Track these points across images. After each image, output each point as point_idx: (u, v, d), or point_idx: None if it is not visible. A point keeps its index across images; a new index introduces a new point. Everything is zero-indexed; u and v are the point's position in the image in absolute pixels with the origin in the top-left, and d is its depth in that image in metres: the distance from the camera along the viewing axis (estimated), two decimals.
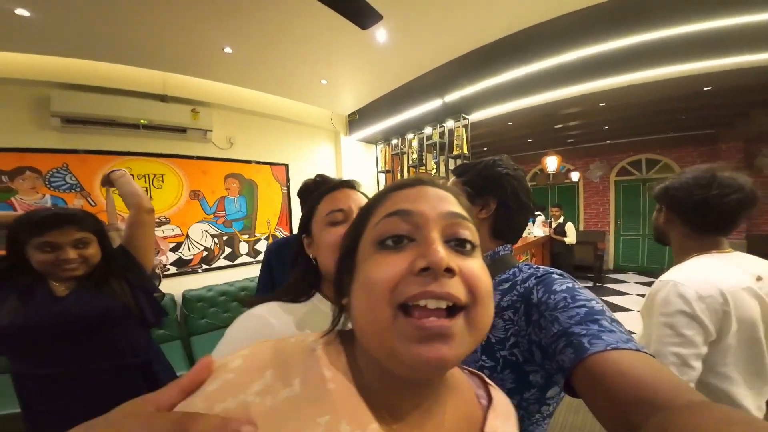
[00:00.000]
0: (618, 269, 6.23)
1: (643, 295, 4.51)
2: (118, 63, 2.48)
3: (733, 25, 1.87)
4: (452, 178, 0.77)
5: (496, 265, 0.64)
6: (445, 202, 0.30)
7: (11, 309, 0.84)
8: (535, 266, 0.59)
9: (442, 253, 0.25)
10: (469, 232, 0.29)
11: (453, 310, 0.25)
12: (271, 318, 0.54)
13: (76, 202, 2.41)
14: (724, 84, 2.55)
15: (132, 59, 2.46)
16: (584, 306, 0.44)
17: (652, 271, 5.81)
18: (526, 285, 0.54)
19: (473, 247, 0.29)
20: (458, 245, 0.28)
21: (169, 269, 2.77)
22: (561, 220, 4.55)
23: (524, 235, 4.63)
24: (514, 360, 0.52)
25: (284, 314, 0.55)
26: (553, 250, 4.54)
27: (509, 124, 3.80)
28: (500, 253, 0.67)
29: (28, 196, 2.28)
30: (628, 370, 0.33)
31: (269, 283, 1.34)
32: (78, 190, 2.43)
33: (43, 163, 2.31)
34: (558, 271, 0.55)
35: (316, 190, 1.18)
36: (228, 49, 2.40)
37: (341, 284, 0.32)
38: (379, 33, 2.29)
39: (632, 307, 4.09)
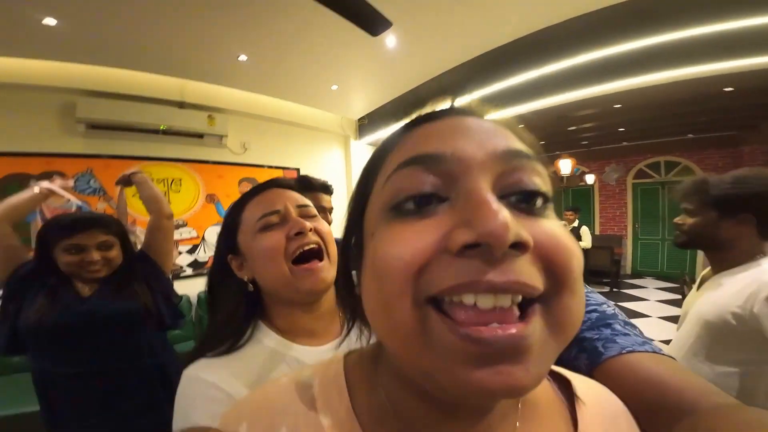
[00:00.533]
0: (636, 274, 6.03)
1: (664, 301, 4.35)
2: (139, 70, 2.58)
3: (752, 26, 1.81)
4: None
5: None
6: (498, 135, 0.20)
7: (39, 308, 0.89)
8: None
9: (503, 216, 0.15)
10: (540, 178, 0.19)
11: (524, 303, 0.17)
12: (212, 378, 0.42)
13: (99, 206, 2.53)
14: (745, 85, 2.46)
15: (151, 66, 2.56)
16: (595, 311, 0.43)
17: (672, 276, 5.60)
18: None
19: (546, 201, 0.19)
20: (524, 201, 0.18)
21: (185, 271, 2.86)
22: (576, 224, 4.44)
23: None
24: None
25: (223, 373, 0.43)
26: None
27: (521, 126, 3.76)
28: None
29: (55, 200, 2.39)
30: (648, 373, 0.31)
31: None
32: (101, 194, 2.55)
33: (69, 168, 2.43)
34: None
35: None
36: (242, 57, 2.48)
37: (346, 280, 0.25)
38: (389, 39, 2.32)
39: (651, 314, 3.95)
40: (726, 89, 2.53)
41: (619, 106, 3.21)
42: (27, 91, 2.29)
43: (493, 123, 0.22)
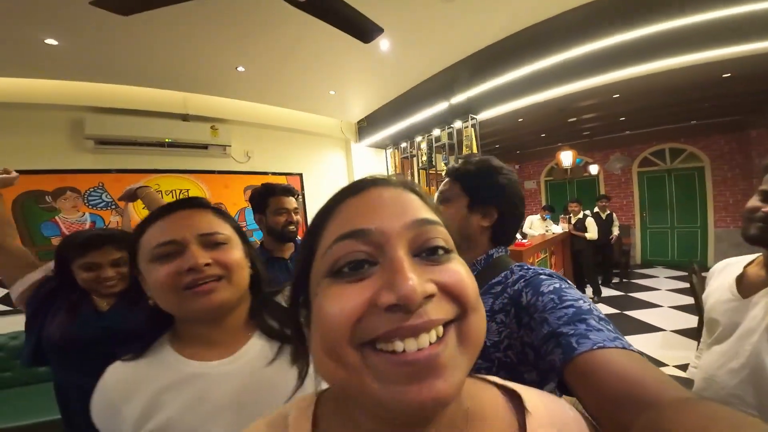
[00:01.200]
0: (646, 264, 5.96)
1: (675, 290, 4.30)
2: (142, 86, 2.67)
3: (748, 12, 1.79)
4: (446, 179, 0.76)
5: (491, 268, 0.65)
6: (408, 207, 0.25)
7: (60, 322, 0.93)
8: (526, 267, 0.60)
9: (414, 281, 0.20)
10: (441, 237, 0.25)
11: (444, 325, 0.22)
12: (113, 390, 0.50)
13: (112, 219, 2.63)
14: (744, 70, 2.43)
15: (154, 81, 2.66)
16: (572, 306, 0.45)
17: (682, 265, 5.52)
18: (516, 287, 0.55)
19: (446, 252, 0.25)
20: (431, 254, 0.24)
21: None
22: (581, 215, 4.39)
23: (542, 232, 4.56)
24: (509, 361, 0.53)
25: (121, 376, 0.51)
26: (573, 247, 4.38)
27: (520, 120, 3.76)
28: (494, 256, 0.68)
29: (70, 214, 2.50)
30: (614, 367, 0.33)
31: None
32: (113, 207, 2.65)
33: (82, 183, 2.54)
34: (548, 271, 0.56)
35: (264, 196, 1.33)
36: (241, 68, 2.55)
37: (298, 333, 0.29)
38: (382, 43, 2.36)
39: (662, 303, 3.89)
40: (725, 75, 2.51)
41: (617, 95, 3.19)
42: (36, 110, 2.39)
43: (405, 191, 0.27)
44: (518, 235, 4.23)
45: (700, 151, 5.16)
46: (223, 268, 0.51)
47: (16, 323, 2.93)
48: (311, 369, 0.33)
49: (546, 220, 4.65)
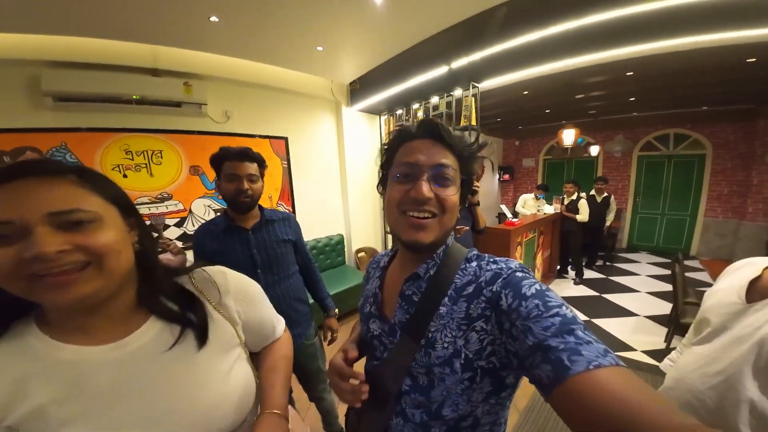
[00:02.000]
0: (631, 248, 6.05)
1: (655, 276, 4.38)
2: (105, 38, 2.37)
3: None
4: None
5: (449, 259, 0.58)
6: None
7: None
8: (492, 259, 0.55)
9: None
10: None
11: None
12: None
13: None
14: None
15: (119, 33, 2.35)
16: (557, 314, 0.42)
17: (667, 251, 5.61)
18: (493, 289, 0.50)
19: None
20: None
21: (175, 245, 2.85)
22: (575, 197, 4.32)
23: (533, 212, 4.51)
24: (492, 367, 0.49)
25: None
26: (563, 228, 4.37)
27: (525, 93, 3.51)
28: (449, 244, 0.60)
29: None
30: (613, 390, 0.32)
31: None
32: None
33: (43, 143, 2.33)
34: (516, 263, 0.53)
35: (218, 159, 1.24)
36: (214, 18, 2.24)
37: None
38: None
39: (640, 289, 3.98)
40: (749, 60, 2.29)
41: (631, 73, 2.95)
42: None
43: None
44: (509, 214, 4.19)
45: (704, 139, 4.99)
46: (89, 254, 0.41)
47: None
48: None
49: (539, 199, 4.58)
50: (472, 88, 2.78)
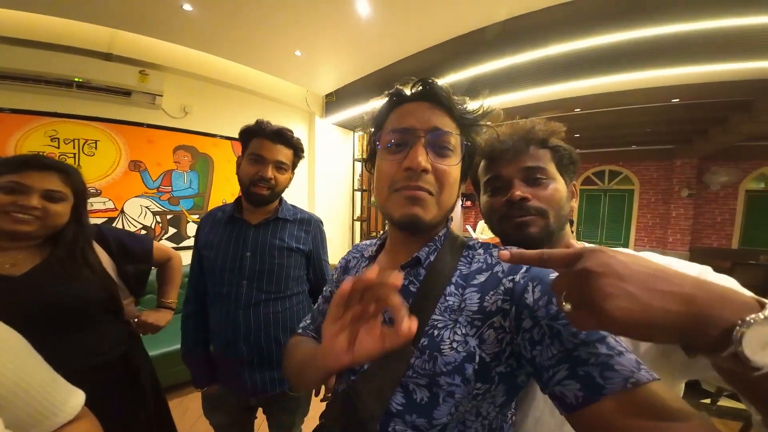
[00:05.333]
0: None
1: None
2: (59, 16, 2.09)
3: (701, 30, 1.87)
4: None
5: (450, 244, 0.51)
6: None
7: None
8: (498, 247, 0.50)
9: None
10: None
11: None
12: None
13: None
14: (691, 97, 2.65)
15: (74, 13, 2.09)
16: None
17: None
18: (515, 279, 0.42)
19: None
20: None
21: None
22: None
23: (491, 236, 4.69)
24: (509, 371, 0.41)
25: None
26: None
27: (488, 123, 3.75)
28: (449, 226, 0.54)
29: None
30: (649, 413, 0.29)
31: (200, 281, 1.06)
32: None
33: None
34: None
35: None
36: (187, 6, 2.07)
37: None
38: (361, 5, 2.08)
39: None
40: (674, 100, 2.70)
41: (578, 110, 3.31)
42: None
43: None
44: (473, 233, 4.30)
45: (633, 175, 5.77)
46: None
47: None
48: None
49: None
50: None
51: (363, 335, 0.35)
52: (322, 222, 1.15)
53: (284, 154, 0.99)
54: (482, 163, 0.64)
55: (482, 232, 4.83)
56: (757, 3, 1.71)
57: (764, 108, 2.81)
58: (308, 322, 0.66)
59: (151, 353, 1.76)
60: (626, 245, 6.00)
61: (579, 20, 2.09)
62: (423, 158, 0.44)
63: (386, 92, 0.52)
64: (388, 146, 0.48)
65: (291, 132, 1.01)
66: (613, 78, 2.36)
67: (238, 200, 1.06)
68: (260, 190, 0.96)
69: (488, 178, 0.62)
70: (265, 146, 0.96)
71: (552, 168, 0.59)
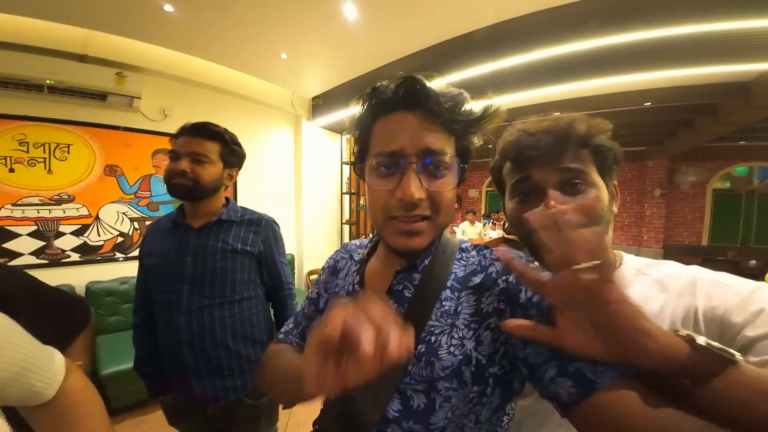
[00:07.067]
0: None
1: None
2: (30, 17, 2.00)
3: (672, 36, 1.98)
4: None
5: (444, 246, 0.49)
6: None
7: None
8: (490, 249, 0.49)
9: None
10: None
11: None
12: None
13: None
14: (661, 100, 2.79)
15: (47, 13, 2.00)
16: None
17: None
18: (510, 279, 0.42)
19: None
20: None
21: (69, 256, 2.24)
22: (505, 224, 4.78)
23: (475, 237, 4.79)
24: (503, 372, 0.41)
25: None
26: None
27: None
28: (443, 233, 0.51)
29: None
30: (640, 402, 0.30)
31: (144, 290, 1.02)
32: None
33: None
34: (521, 253, 0.46)
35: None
36: (168, 7, 2.02)
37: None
38: (348, 10, 2.08)
39: None
40: (646, 104, 2.85)
41: (557, 113, 3.42)
42: None
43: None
44: (460, 235, 4.38)
45: None
46: None
47: (126, 270, 2.46)
48: None
49: (482, 225, 4.96)
50: None
51: (354, 361, 0.30)
52: (275, 222, 1.11)
53: (202, 146, 0.96)
54: (508, 164, 0.56)
55: (462, 234, 4.91)
56: (721, 11, 1.83)
57: (727, 110, 3.00)
58: (291, 326, 0.62)
59: (105, 372, 1.81)
60: None
61: (557, 27, 2.16)
62: (416, 188, 0.40)
63: (367, 92, 0.46)
64: (376, 170, 0.44)
65: (213, 125, 0.99)
66: (591, 82, 2.47)
67: (181, 206, 1.04)
68: (177, 180, 0.93)
69: (516, 180, 0.54)
70: (181, 141, 0.95)
71: (593, 172, 0.51)
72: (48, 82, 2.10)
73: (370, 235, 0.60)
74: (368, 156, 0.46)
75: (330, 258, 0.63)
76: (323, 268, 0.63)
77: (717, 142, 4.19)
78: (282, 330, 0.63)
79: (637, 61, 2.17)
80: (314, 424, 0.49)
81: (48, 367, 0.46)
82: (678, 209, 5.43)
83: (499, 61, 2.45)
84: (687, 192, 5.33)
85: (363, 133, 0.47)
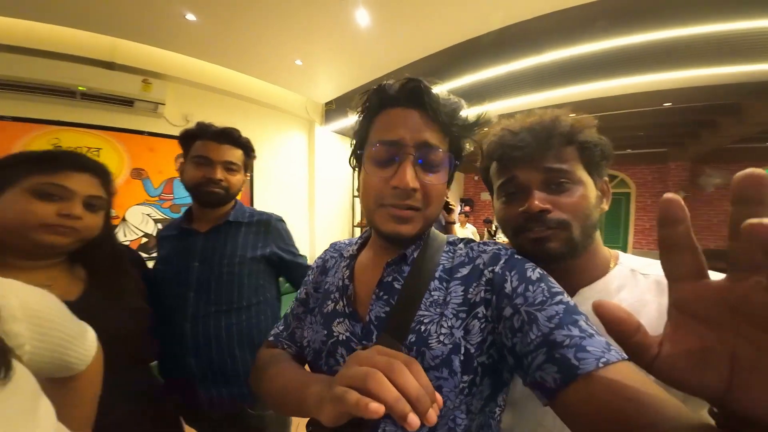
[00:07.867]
0: None
1: None
2: (62, 25, 2.13)
3: (692, 35, 1.94)
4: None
5: (432, 242, 0.50)
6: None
7: None
8: (480, 242, 0.50)
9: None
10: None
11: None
12: None
13: None
14: (682, 101, 2.72)
15: (77, 22, 2.13)
16: (561, 302, 0.38)
17: None
18: (495, 269, 0.44)
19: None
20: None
21: None
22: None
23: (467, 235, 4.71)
24: (491, 362, 0.42)
25: None
26: None
27: (485, 129, 3.82)
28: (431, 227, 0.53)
29: None
30: (623, 388, 0.30)
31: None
32: None
33: None
34: (505, 246, 0.48)
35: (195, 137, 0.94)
36: (190, 16, 2.12)
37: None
38: (361, 16, 2.14)
39: None
40: (666, 104, 2.77)
41: (573, 115, 3.38)
42: None
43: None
44: (471, 236, 4.31)
45: (628, 178, 5.84)
46: None
47: None
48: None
49: (469, 226, 4.87)
50: None
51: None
52: (281, 219, 1.08)
53: (233, 154, 0.95)
54: (494, 164, 0.56)
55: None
56: (743, 8, 1.78)
57: (752, 110, 2.89)
58: (281, 328, 0.60)
59: None
60: (625, 249, 6.02)
61: (571, 28, 2.15)
62: (412, 178, 0.43)
63: (373, 88, 0.48)
64: (374, 157, 0.46)
65: (237, 132, 0.97)
66: (606, 83, 2.44)
67: (188, 210, 1.01)
68: (212, 189, 0.91)
69: (502, 182, 0.54)
70: (210, 147, 0.92)
71: (579, 169, 0.50)
72: (80, 88, 2.22)
73: (363, 231, 0.61)
74: (367, 144, 0.48)
75: (318, 258, 0.63)
76: (312, 267, 0.63)
77: (741, 143, 4.03)
78: (272, 332, 0.62)
79: (653, 61, 2.13)
80: (308, 426, 0.47)
81: (82, 343, 0.50)
82: (702, 213, 5.22)
83: (510, 64, 2.46)
84: (712, 195, 5.12)
85: (365, 122, 0.49)
